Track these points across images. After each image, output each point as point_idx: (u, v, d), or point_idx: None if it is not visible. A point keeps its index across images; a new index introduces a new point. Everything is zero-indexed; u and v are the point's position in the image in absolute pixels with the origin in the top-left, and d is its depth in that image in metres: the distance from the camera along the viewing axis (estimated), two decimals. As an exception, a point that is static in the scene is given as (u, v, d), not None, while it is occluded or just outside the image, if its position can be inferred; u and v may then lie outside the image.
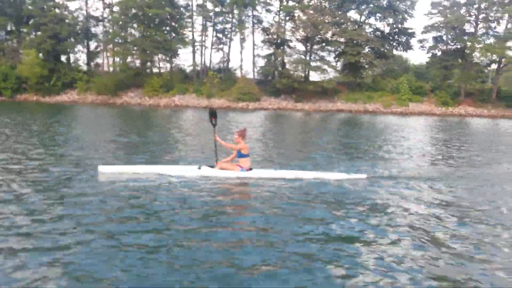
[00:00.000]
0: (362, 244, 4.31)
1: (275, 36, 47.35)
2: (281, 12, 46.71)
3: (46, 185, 6.30)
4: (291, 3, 47.27)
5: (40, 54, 47.44)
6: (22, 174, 7.08)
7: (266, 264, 3.69)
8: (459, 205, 6.07)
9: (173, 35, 48.26)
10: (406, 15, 46.39)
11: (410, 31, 48.72)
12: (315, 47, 47.20)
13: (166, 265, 3.59)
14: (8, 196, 5.57)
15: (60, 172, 7.25)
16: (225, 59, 50.05)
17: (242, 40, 46.04)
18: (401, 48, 50.56)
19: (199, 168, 7.37)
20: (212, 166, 7.54)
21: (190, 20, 49.14)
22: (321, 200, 5.97)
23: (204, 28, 48.49)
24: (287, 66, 46.95)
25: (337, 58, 48.40)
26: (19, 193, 5.74)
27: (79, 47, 51.98)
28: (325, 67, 45.25)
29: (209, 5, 47.84)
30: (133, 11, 46.33)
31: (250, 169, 7.44)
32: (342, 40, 45.65)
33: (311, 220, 4.99)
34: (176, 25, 49.12)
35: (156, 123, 22.42)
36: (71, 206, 5.18)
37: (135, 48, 46.33)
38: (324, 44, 47.51)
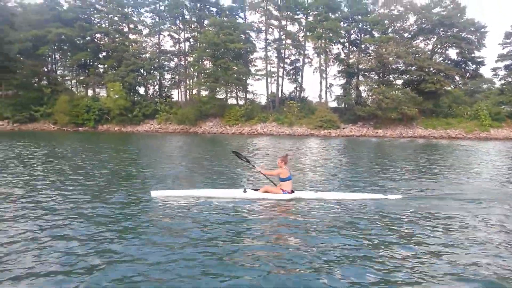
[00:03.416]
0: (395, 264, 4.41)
1: (349, 66, 48.82)
2: (358, 44, 48.44)
3: (101, 208, 6.69)
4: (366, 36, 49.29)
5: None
6: (80, 195, 7.73)
7: (309, 283, 3.86)
8: (495, 228, 5.98)
9: (249, 67, 50.18)
10: (477, 45, 47.76)
11: (479, 60, 50.00)
12: (389, 76, 48.54)
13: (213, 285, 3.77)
14: (68, 214, 6.19)
15: (116, 196, 7.76)
16: (298, 89, 51.45)
17: (322, 70, 47.56)
18: (469, 76, 51.69)
19: (245, 191, 7.72)
20: (256, 189, 7.93)
21: (264, 53, 51.09)
22: (358, 219, 6.27)
23: (280, 60, 50.19)
24: (363, 94, 48.20)
25: (409, 86, 49.43)
26: (77, 211, 6.39)
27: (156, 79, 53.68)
28: (401, 94, 46.05)
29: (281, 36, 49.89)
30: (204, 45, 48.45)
31: (293, 191, 7.85)
32: (413, 68, 46.97)
33: (350, 238, 5.25)
34: (251, 58, 51.23)
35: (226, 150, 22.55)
36: (123, 228, 5.49)
37: (216, 80, 47.82)
38: (396, 73, 48.97)
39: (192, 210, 6.66)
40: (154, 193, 7.68)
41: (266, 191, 7.87)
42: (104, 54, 54.42)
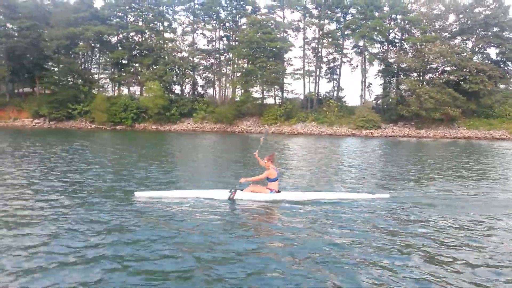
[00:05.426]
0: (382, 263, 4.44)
1: (390, 65, 48.34)
2: (397, 43, 47.92)
3: (87, 208, 6.65)
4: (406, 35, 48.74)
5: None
6: (62, 193, 7.79)
7: (292, 283, 3.83)
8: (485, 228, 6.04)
9: (285, 66, 49.82)
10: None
11: (520, 59, 49.28)
12: (431, 75, 48.03)
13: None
14: (52, 211, 6.34)
15: (102, 196, 7.62)
16: (335, 88, 51.05)
17: (363, 70, 47.07)
18: (510, 76, 50.98)
19: (231, 191, 7.69)
20: (242, 190, 7.82)
21: (302, 51, 50.73)
22: (342, 219, 6.26)
23: (318, 59, 49.80)
24: (403, 93, 47.67)
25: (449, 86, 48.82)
26: (62, 208, 6.55)
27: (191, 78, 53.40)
28: (445, 94, 45.42)
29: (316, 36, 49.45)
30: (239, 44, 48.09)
31: (279, 191, 7.79)
32: (455, 68, 46.38)
33: (334, 238, 5.24)
34: (287, 57, 50.87)
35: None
36: (107, 229, 5.45)
37: (254, 79, 47.51)
38: (436, 73, 48.41)
39: (176, 212, 6.47)
40: (138, 194, 7.54)
41: (252, 191, 7.79)
42: (135, 52, 54.18)
